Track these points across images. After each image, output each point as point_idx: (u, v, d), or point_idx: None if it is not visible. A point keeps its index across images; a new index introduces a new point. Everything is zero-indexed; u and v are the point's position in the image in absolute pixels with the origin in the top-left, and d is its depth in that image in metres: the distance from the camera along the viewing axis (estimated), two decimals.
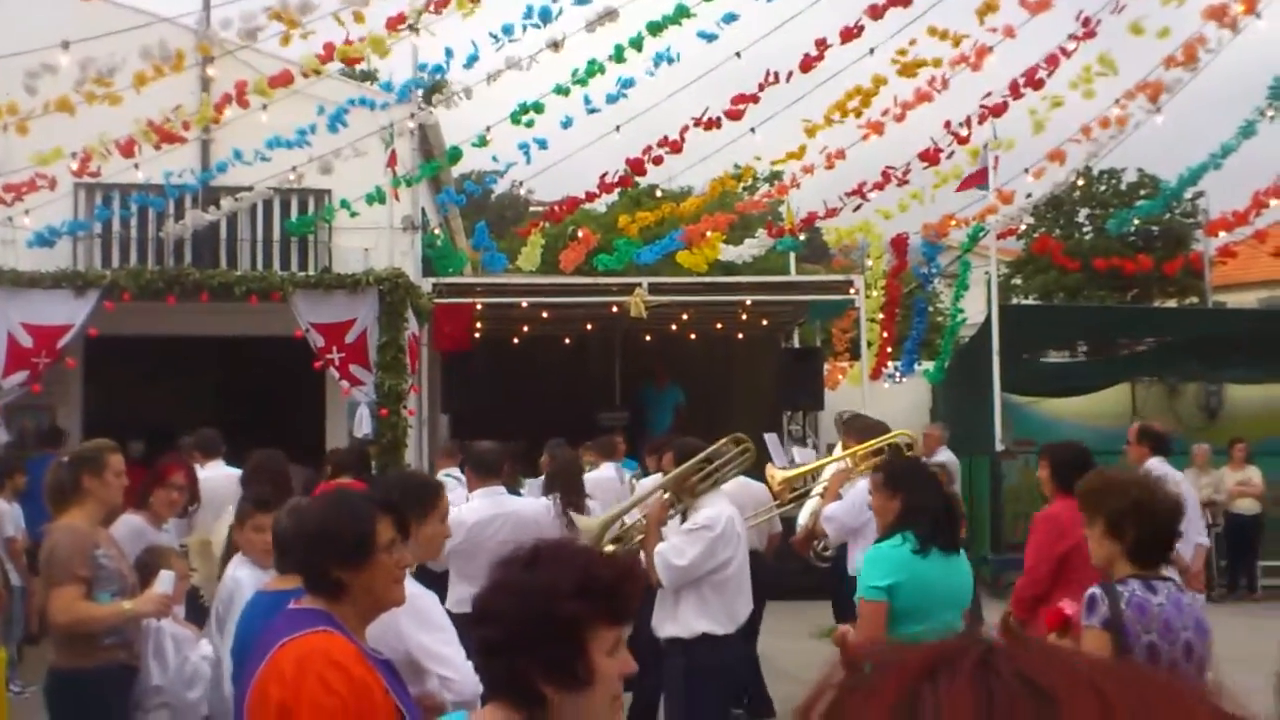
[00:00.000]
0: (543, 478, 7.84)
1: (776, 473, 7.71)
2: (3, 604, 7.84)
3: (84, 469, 4.98)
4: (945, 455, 11.09)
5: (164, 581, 4.79)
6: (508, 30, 9.77)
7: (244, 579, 4.62)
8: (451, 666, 3.49)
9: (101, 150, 10.66)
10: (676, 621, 5.49)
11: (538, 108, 11.09)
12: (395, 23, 9.66)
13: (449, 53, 10.65)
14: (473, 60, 10.36)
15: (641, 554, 5.61)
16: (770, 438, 9.02)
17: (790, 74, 11.22)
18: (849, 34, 10.56)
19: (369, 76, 20.34)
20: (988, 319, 14.42)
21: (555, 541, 2.38)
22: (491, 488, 6.50)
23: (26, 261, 12.01)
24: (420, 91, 12.91)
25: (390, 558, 3.00)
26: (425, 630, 3.55)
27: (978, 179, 13.57)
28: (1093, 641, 3.51)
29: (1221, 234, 13.76)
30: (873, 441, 7.22)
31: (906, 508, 4.60)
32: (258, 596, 4.17)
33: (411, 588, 3.50)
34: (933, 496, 4.64)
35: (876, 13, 10.22)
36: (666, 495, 5.83)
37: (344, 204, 13.26)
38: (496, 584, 2.24)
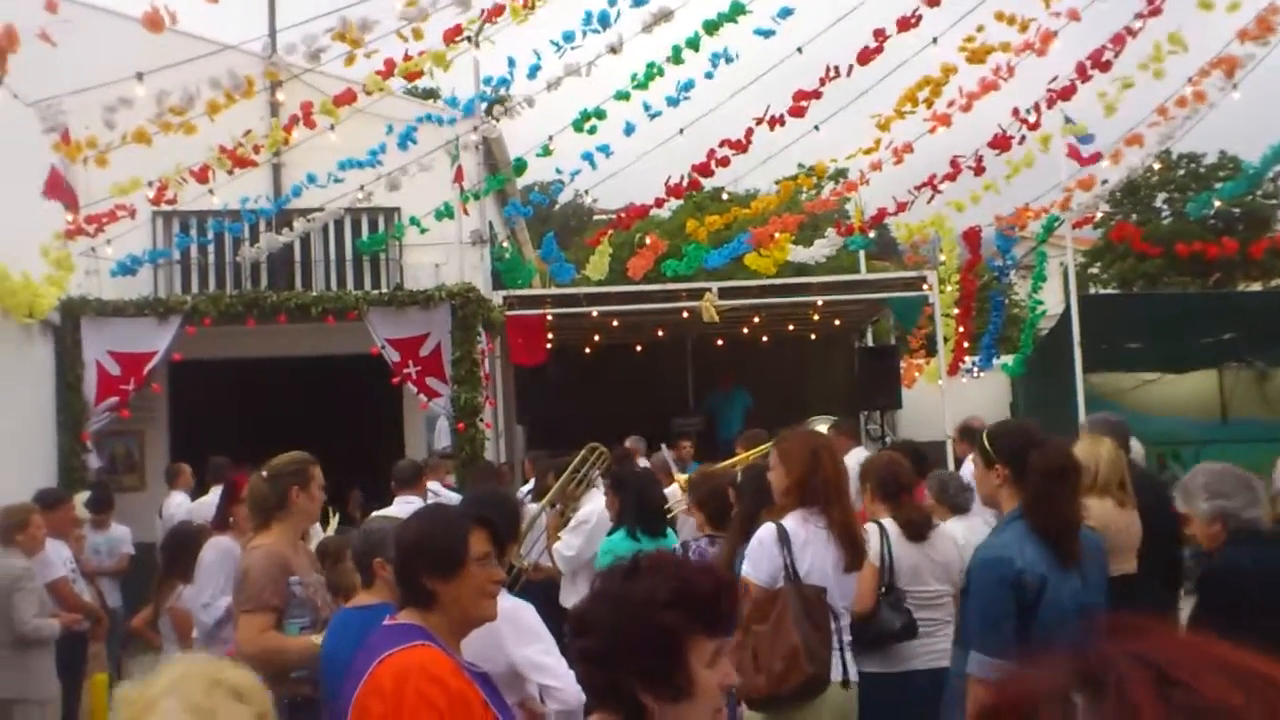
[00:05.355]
0: (532, 483, 9.33)
1: (680, 478, 9.21)
2: (104, 626, 8.01)
3: (291, 482, 4.81)
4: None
5: None
6: (568, 38, 9.78)
7: None
8: (555, 676, 3.51)
9: (178, 178, 10.87)
10: (573, 598, 7.10)
11: (600, 114, 11.07)
12: (452, 34, 9.72)
13: (511, 62, 10.69)
14: (535, 70, 10.39)
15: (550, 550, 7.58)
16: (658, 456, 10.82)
17: (851, 68, 11.09)
18: (905, 23, 10.43)
19: (431, 94, 20.57)
20: (1066, 310, 14.14)
21: (655, 553, 2.36)
22: (408, 497, 7.94)
23: (110, 290, 12.29)
24: (484, 105, 12.99)
25: (482, 571, 3.00)
26: (526, 642, 3.57)
27: (1078, 154, 13.17)
28: None
29: None
30: (752, 451, 8.98)
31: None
32: (344, 614, 4.18)
33: (508, 601, 3.51)
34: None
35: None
36: (556, 506, 7.77)
37: (413, 221, 13.40)
38: (596, 594, 2.23)
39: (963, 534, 5.57)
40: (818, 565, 4.38)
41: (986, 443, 4.06)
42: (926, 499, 6.02)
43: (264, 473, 4.92)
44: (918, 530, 5.30)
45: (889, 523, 5.30)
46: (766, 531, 4.45)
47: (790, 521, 4.44)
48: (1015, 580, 3.71)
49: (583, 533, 7.50)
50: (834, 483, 4.46)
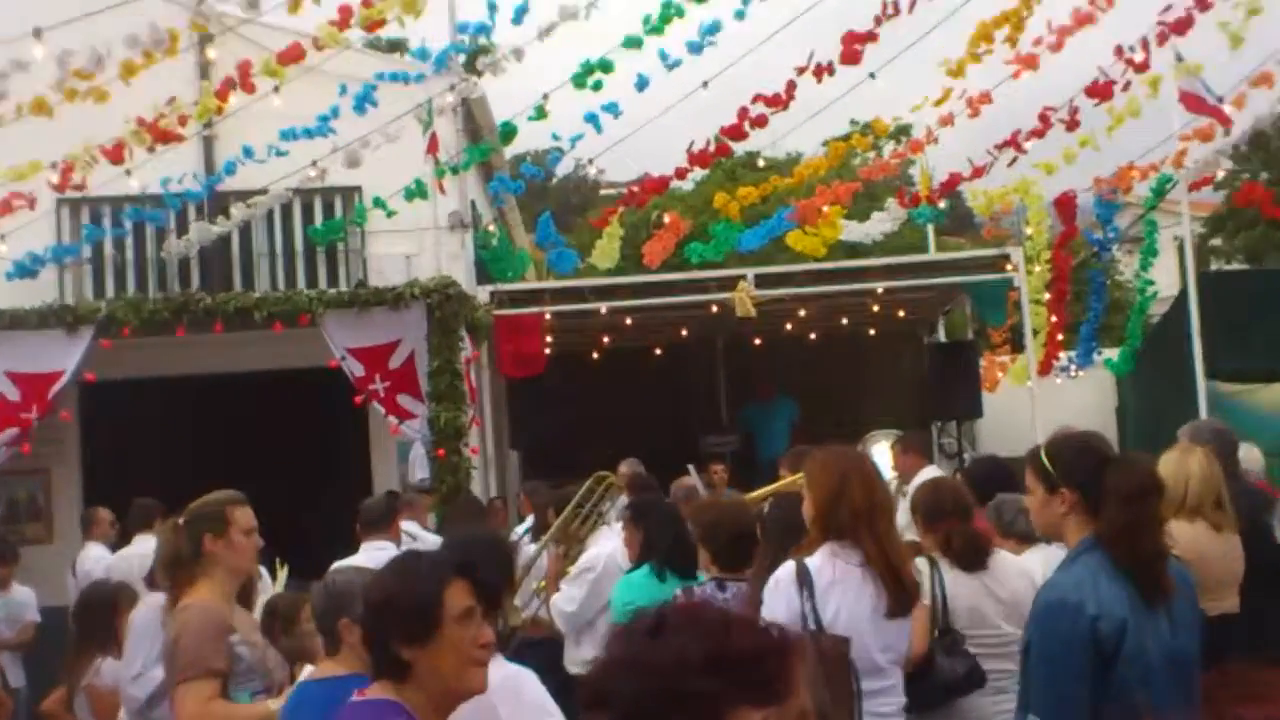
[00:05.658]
0: (530, 521, 9.35)
1: None
2: (6, 710, 8.00)
3: (203, 529, 4.86)
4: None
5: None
6: None
7: None
8: None
9: (86, 158, 10.88)
10: (576, 661, 7.22)
11: (605, 66, 11.05)
12: None
13: (492, 5, 10.67)
14: (521, 13, 10.37)
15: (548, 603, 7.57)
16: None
17: (913, 2, 11.06)
18: None
19: (397, 46, 20.60)
20: (1183, 291, 14.08)
21: (687, 604, 2.32)
22: (378, 542, 7.72)
23: (6, 298, 12.30)
24: (461, 58, 12.98)
25: (464, 632, 2.98)
26: (525, 716, 3.55)
27: (1199, 105, 12.99)
28: None
29: None
30: (794, 477, 8.83)
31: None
32: (304, 687, 4.18)
33: (507, 668, 3.48)
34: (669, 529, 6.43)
35: None
36: (558, 548, 7.79)
37: (378, 202, 13.40)
38: (612, 659, 2.17)
39: (1040, 566, 5.48)
40: (848, 610, 4.42)
41: (1047, 462, 3.97)
42: (989, 529, 5.96)
43: (179, 521, 4.98)
44: (968, 558, 5.31)
45: (940, 556, 5.38)
46: (784, 571, 4.53)
47: (816, 559, 4.49)
48: (1090, 631, 3.63)
49: (585, 582, 7.40)
50: (865, 513, 4.48)
